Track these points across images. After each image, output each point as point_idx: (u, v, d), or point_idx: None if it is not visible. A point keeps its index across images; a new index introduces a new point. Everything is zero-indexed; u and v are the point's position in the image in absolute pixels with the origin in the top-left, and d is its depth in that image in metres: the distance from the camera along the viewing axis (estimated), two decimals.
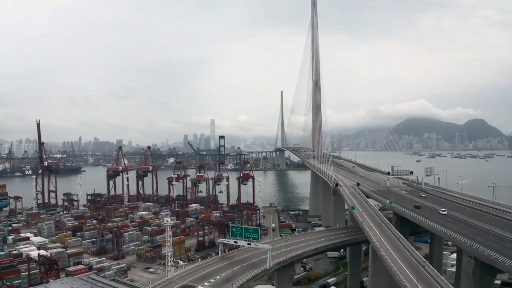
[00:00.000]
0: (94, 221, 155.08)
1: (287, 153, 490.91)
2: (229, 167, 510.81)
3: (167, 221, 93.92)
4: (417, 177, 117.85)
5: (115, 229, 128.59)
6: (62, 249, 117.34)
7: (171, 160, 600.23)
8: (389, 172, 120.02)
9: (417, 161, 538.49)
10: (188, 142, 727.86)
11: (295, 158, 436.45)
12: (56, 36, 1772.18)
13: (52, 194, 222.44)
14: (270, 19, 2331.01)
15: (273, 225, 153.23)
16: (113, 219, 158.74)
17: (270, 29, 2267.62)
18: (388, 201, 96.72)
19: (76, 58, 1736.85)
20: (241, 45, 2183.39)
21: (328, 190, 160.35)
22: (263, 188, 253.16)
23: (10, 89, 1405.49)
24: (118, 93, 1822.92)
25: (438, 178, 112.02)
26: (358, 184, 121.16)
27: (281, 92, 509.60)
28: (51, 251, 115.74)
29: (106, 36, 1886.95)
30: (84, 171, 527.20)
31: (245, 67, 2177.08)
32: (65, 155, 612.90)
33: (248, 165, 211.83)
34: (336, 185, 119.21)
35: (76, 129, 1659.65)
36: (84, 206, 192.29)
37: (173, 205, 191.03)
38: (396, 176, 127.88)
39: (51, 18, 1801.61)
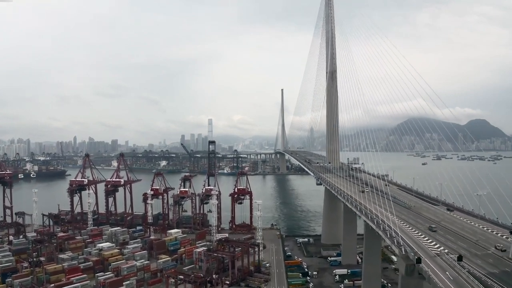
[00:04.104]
0: (28, 263, 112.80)
1: (287, 155, 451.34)
2: (225, 171, 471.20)
3: None
4: None
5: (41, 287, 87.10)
6: None
7: (164, 163, 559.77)
8: None
9: (423, 163, 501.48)
10: (182, 144, 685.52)
11: (296, 161, 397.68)
12: (46, 35, 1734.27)
13: (8, 211, 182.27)
14: (261, 16, 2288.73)
15: None
16: (62, 256, 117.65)
17: (260, 26, 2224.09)
18: None
19: (66, 57, 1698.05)
20: (232, 43, 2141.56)
21: (351, 218, 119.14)
22: (263, 199, 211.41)
23: (2, 87, 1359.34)
24: (110, 92, 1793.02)
25: None
26: (460, 258, 59.04)
27: (282, 90, 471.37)
28: None
29: (96, 35, 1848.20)
30: (69, 175, 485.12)
31: (237, 66, 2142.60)
32: (48, 158, 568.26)
33: (245, 176, 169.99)
34: (419, 260, 58.49)
35: (70, 129, 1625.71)
36: (35, 231, 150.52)
37: (148, 231, 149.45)
38: None
39: (40, 17, 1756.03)
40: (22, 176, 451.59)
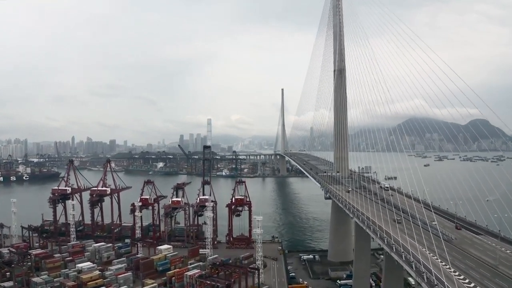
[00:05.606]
0: None
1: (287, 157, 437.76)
2: (223, 173, 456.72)
3: None
4: None
5: None
6: None
7: (161, 164, 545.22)
8: None
9: (425, 165, 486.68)
10: (179, 145, 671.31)
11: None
12: (45, 35, 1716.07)
13: None
14: (261, 16, 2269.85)
15: None
16: (35, 280, 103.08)
17: (260, 26, 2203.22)
18: None
19: (66, 56, 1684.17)
20: (232, 43, 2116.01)
21: (364, 235, 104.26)
22: (262, 205, 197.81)
23: (1, 87, 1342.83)
24: (108, 92, 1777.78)
25: None
26: None
27: (282, 89, 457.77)
28: None
29: (95, 35, 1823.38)
30: (64, 177, 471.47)
31: (236, 66, 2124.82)
32: (42, 159, 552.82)
33: (243, 184, 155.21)
34: None
35: (68, 129, 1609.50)
36: (11, 247, 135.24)
37: (136, 247, 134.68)
38: None
39: (40, 16, 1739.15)
40: (15, 179, 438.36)
